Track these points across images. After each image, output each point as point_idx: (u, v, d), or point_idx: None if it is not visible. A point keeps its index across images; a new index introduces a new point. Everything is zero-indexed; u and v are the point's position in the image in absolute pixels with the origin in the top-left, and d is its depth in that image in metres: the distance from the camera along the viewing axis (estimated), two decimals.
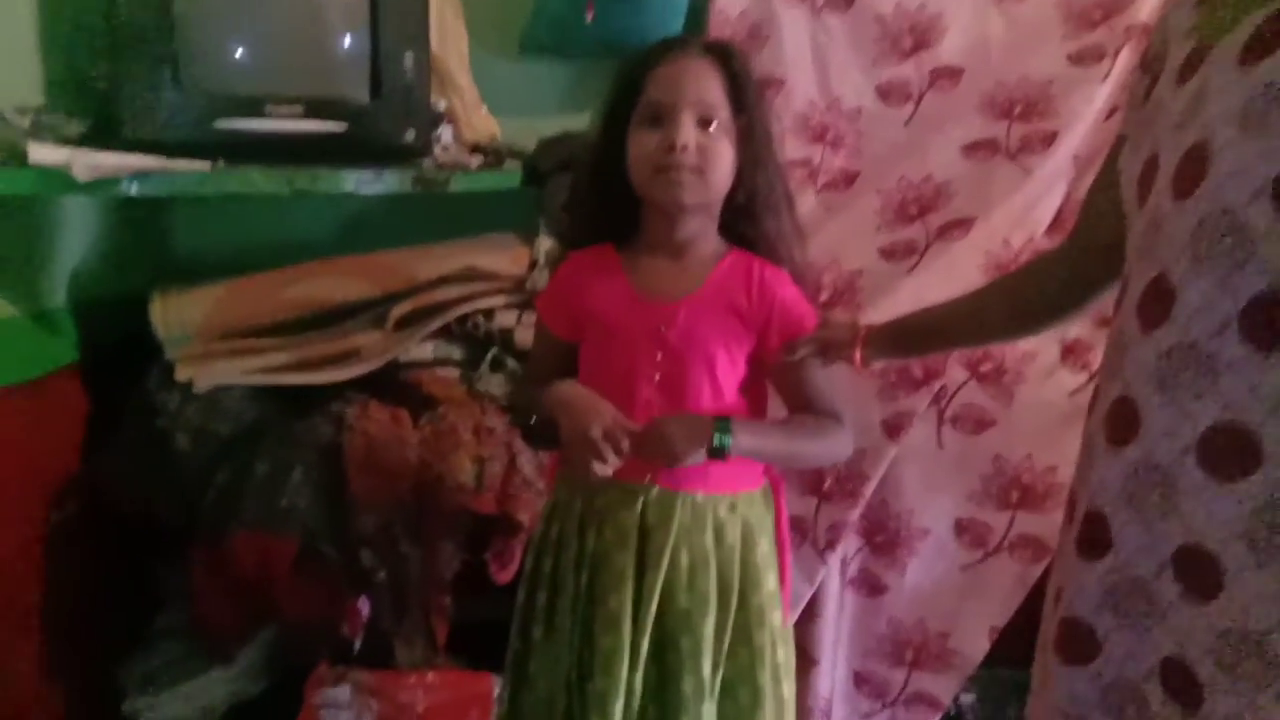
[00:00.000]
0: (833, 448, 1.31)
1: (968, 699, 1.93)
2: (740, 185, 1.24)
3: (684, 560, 1.24)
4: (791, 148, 1.82)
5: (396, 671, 1.65)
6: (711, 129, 1.19)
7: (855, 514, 1.76)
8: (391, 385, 1.73)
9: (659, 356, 1.24)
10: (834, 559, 1.78)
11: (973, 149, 1.82)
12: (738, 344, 1.25)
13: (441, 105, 1.81)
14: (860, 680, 1.87)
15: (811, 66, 1.89)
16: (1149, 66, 0.95)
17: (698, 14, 1.92)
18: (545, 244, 1.78)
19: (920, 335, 1.30)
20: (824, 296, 1.76)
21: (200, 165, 1.45)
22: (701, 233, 1.26)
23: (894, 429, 1.72)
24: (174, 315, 1.69)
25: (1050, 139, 1.75)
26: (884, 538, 1.80)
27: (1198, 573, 0.78)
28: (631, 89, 1.22)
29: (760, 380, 1.31)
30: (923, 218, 1.81)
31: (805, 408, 1.29)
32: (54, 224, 1.68)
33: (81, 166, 1.34)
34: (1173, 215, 0.81)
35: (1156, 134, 0.87)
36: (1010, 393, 1.73)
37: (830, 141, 1.89)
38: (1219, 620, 0.76)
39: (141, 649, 1.73)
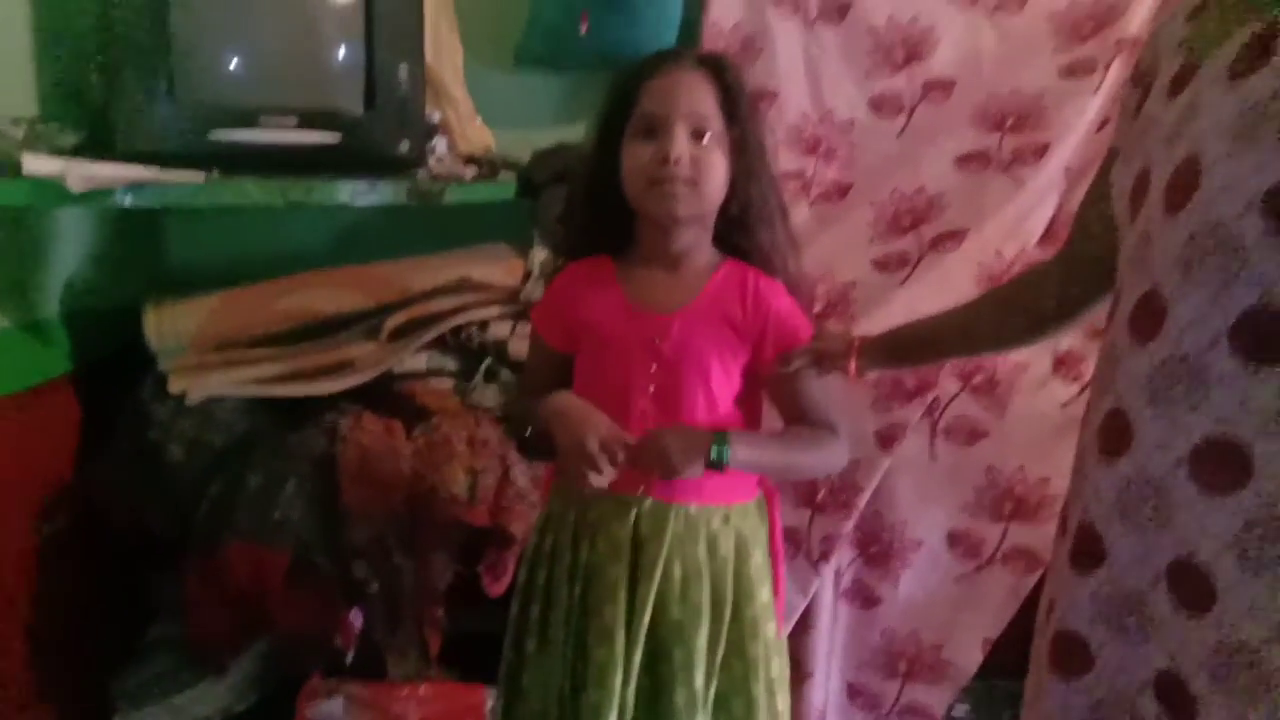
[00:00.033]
0: (829, 459, 1.31)
1: (961, 710, 1.93)
2: (734, 197, 1.24)
3: (677, 572, 1.24)
4: (784, 160, 1.83)
5: (389, 684, 1.65)
6: (705, 141, 1.19)
7: (849, 525, 1.76)
8: (385, 396, 1.73)
9: (653, 368, 1.24)
10: (828, 570, 1.78)
11: (965, 161, 1.83)
12: (733, 355, 1.25)
13: (436, 117, 1.81)
14: (854, 692, 1.87)
15: (804, 79, 1.90)
16: (1140, 80, 0.96)
17: (691, 26, 1.92)
18: (539, 255, 1.78)
19: (914, 346, 1.30)
20: (818, 308, 1.76)
21: (194, 176, 1.45)
22: (696, 244, 1.26)
23: (887, 440, 1.73)
24: (167, 326, 1.68)
25: (1042, 151, 1.76)
26: (878, 549, 1.81)
27: (1191, 586, 0.78)
28: (625, 101, 1.23)
29: (755, 392, 1.31)
30: (915, 229, 1.82)
31: (800, 419, 1.29)
32: (48, 234, 1.68)
33: (75, 177, 1.34)
34: (1164, 229, 0.82)
35: (1148, 148, 0.87)
36: (1003, 404, 1.74)
37: (823, 153, 1.90)
38: (1212, 633, 0.77)
39: (133, 661, 1.72)
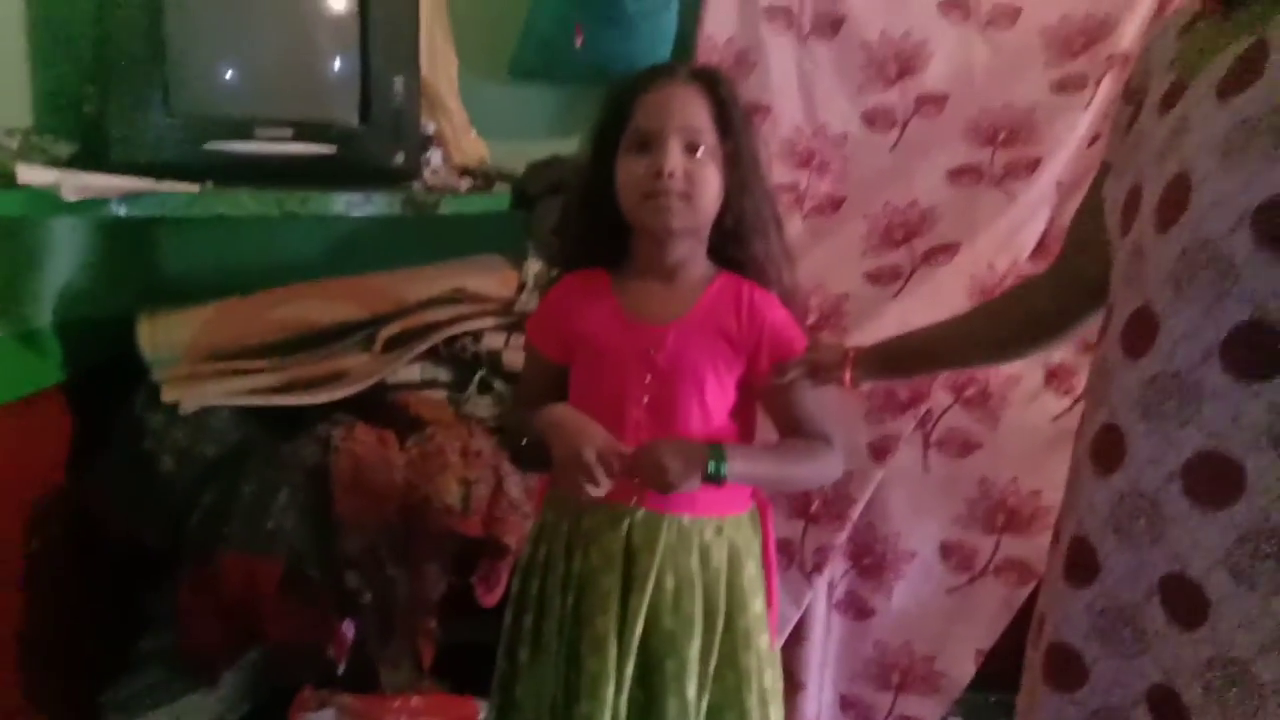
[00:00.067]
0: (823, 470, 1.31)
1: None
2: (728, 209, 1.25)
3: (669, 582, 1.24)
4: (778, 173, 1.84)
5: (381, 695, 1.64)
6: (699, 155, 1.20)
7: (842, 537, 1.76)
8: (379, 407, 1.73)
9: (648, 379, 1.24)
10: (821, 582, 1.79)
11: (957, 175, 1.84)
12: (727, 367, 1.26)
13: (431, 128, 1.82)
14: (847, 704, 1.87)
15: (798, 93, 1.92)
16: (1132, 96, 0.97)
17: (686, 40, 1.94)
18: (534, 267, 1.79)
19: (907, 357, 1.31)
20: (811, 320, 1.77)
21: (189, 187, 1.45)
22: (690, 256, 1.27)
23: (880, 452, 1.73)
24: (161, 336, 1.68)
25: (1034, 165, 1.78)
26: (871, 560, 1.81)
27: (1184, 600, 0.79)
28: (619, 115, 1.24)
29: (750, 404, 1.31)
30: (908, 242, 1.83)
31: (795, 430, 1.30)
32: (41, 244, 1.68)
33: (70, 187, 1.33)
34: (1156, 245, 0.82)
35: (1139, 164, 0.88)
36: (995, 416, 1.75)
37: (816, 167, 1.91)
38: (1205, 648, 0.77)
39: (124, 671, 1.71)
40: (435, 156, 1.80)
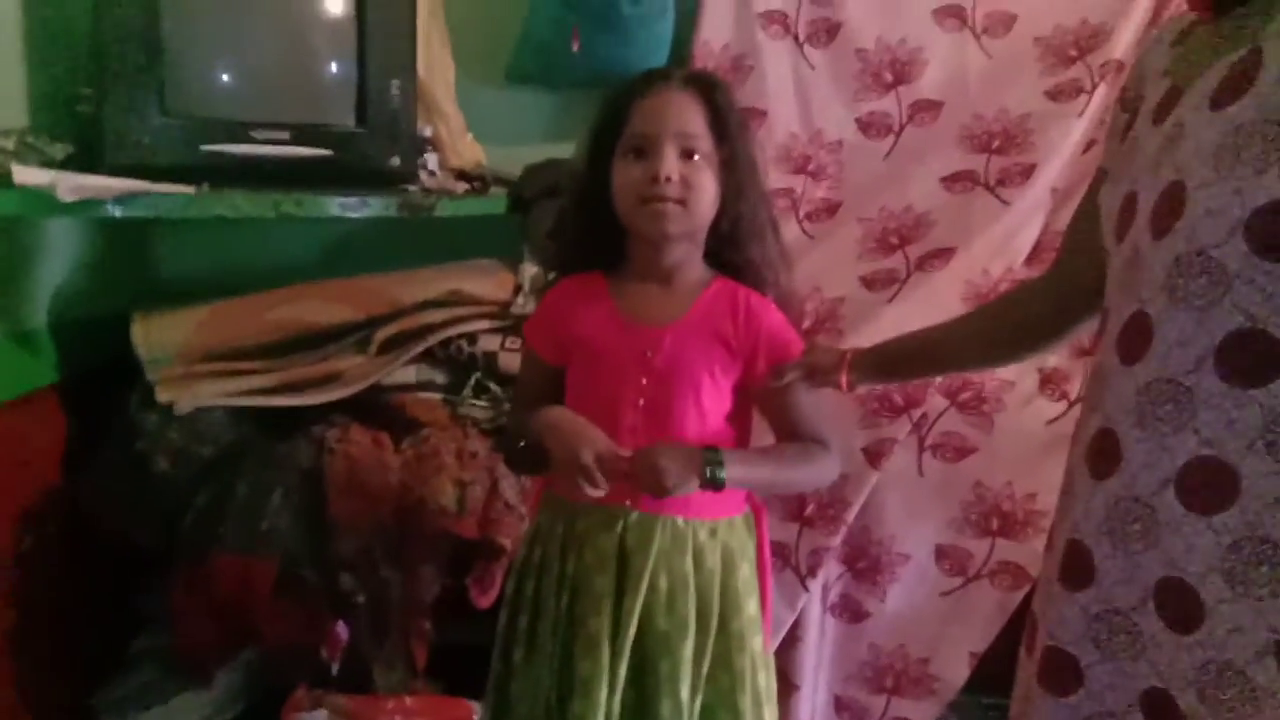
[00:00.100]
0: (820, 473, 1.32)
1: None
2: (724, 213, 1.25)
3: (663, 584, 1.24)
4: (774, 178, 1.84)
5: (375, 696, 1.64)
6: (694, 160, 1.21)
7: (837, 540, 1.77)
8: (374, 408, 1.73)
9: (644, 381, 1.24)
10: (815, 585, 1.79)
11: (952, 180, 1.85)
12: (723, 371, 1.26)
13: (427, 132, 1.82)
14: (841, 706, 1.88)
15: (794, 99, 1.92)
16: (1127, 104, 0.98)
17: (682, 46, 1.94)
18: (529, 270, 1.79)
19: (904, 360, 1.32)
20: (806, 324, 1.78)
21: (185, 189, 1.45)
22: (687, 260, 1.27)
23: (875, 456, 1.74)
24: (156, 337, 1.68)
25: (1028, 172, 1.79)
26: (865, 564, 1.81)
27: (1179, 605, 0.79)
28: (616, 120, 1.24)
29: (746, 407, 1.32)
30: (903, 247, 1.84)
31: (792, 433, 1.30)
32: (37, 245, 1.68)
33: (65, 188, 1.33)
34: (1151, 252, 0.83)
35: (1135, 171, 0.89)
36: (990, 421, 1.75)
37: (812, 172, 1.92)
38: (1200, 652, 0.78)
39: (118, 671, 1.71)
40: (432, 160, 1.81)
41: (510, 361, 1.73)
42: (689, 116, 1.21)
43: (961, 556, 1.78)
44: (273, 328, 1.71)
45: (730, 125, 1.23)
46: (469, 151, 1.92)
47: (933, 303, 1.73)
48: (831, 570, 1.83)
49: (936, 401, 1.76)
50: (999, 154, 1.82)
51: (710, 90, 1.24)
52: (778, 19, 1.91)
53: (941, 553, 1.79)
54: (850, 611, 1.85)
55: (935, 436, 1.77)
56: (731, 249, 1.28)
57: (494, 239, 1.88)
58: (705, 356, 1.25)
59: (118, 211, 1.40)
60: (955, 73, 1.88)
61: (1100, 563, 0.85)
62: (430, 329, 1.74)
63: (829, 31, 1.91)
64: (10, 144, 1.46)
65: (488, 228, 1.83)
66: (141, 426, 1.61)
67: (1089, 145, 1.79)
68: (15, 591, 1.56)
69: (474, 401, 1.76)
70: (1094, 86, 1.77)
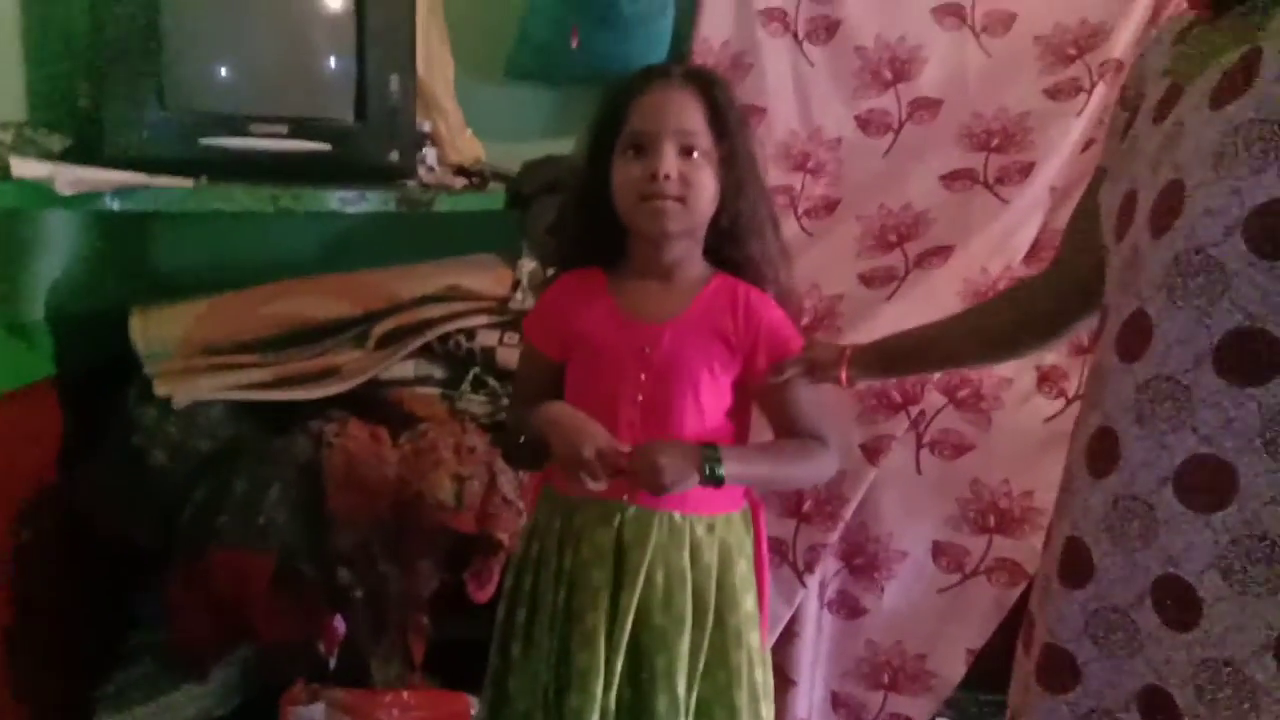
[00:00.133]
0: (818, 470, 1.32)
1: None
2: (724, 210, 1.26)
3: (660, 579, 1.24)
4: (773, 176, 1.84)
5: (372, 690, 1.64)
6: (693, 157, 1.21)
7: (834, 536, 1.77)
8: (372, 403, 1.73)
9: (643, 377, 1.25)
10: (813, 581, 1.79)
11: (951, 179, 1.85)
12: (723, 367, 1.26)
13: (426, 127, 1.82)
14: (838, 702, 1.88)
15: (793, 96, 1.92)
16: (1127, 103, 0.98)
17: (681, 43, 1.94)
18: (528, 265, 1.79)
19: (903, 356, 1.32)
20: (805, 321, 1.78)
21: (183, 182, 1.45)
22: (687, 256, 1.28)
23: (873, 453, 1.74)
24: (153, 331, 1.68)
25: (1027, 170, 1.79)
26: (863, 560, 1.82)
27: (1177, 602, 0.80)
28: (615, 118, 1.24)
29: (746, 404, 1.32)
30: (902, 245, 1.84)
31: (791, 429, 1.30)
32: (35, 238, 1.67)
33: (64, 181, 1.33)
34: (1150, 251, 0.83)
35: (1135, 170, 0.89)
36: (987, 418, 1.76)
37: (811, 170, 1.92)
38: (1198, 649, 0.78)
39: (115, 665, 1.71)
40: (430, 155, 1.81)
41: (508, 357, 1.73)
42: (688, 114, 1.21)
43: (959, 553, 1.78)
44: (271, 322, 1.71)
45: (730, 122, 1.24)
46: (468, 147, 1.92)
47: (931, 300, 1.73)
48: (829, 566, 1.83)
49: (934, 399, 1.76)
50: (998, 152, 1.82)
51: (709, 87, 1.24)
52: (777, 16, 1.91)
53: (939, 549, 1.80)
54: (848, 608, 1.85)
55: (933, 434, 1.77)
56: (731, 245, 1.28)
57: (492, 234, 1.87)
58: (704, 353, 1.25)
59: (116, 204, 1.41)
60: (954, 71, 1.88)
61: (1099, 560, 0.86)
62: (428, 324, 1.74)
63: (828, 29, 1.91)
64: (9, 137, 1.46)
65: (486, 223, 1.83)
66: (139, 420, 1.61)
67: (1088, 144, 1.79)
68: (12, 584, 1.56)
69: (472, 396, 1.76)
70: (1093, 85, 1.77)
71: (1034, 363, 1.75)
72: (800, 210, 1.91)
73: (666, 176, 1.19)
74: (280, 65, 1.62)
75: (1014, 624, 1.03)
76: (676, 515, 1.25)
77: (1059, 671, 0.89)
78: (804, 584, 1.78)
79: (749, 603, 1.30)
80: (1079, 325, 1.12)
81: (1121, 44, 1.76)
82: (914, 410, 1.74)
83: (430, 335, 1.74)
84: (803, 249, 1.85)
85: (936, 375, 1.72)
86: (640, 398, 1.25)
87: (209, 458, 1.62)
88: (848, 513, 1.76)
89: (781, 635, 1.79)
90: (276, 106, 1.59)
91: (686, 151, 1.21)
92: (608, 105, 1.26)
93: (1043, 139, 1.79)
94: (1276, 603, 0.75)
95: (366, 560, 1.59)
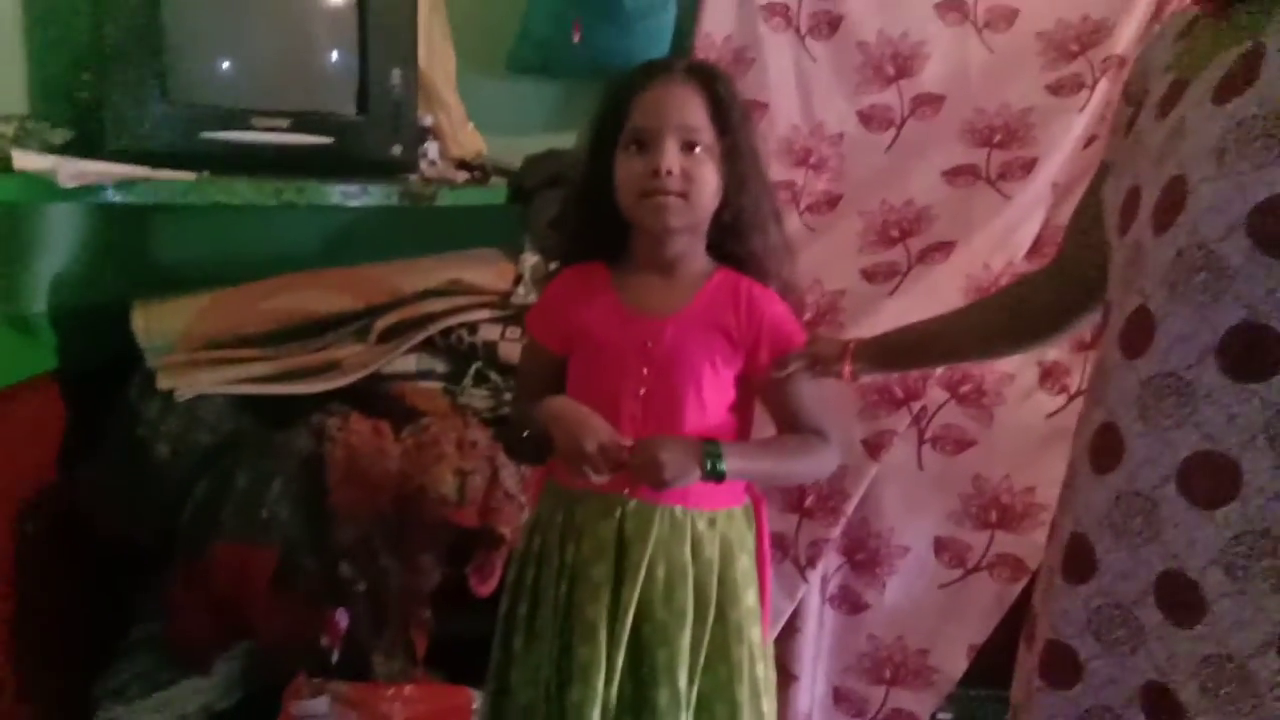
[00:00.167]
0: (819, 465, 1.33)
1: (945, 717, 1.95)
2: (726, 205, 1.26)
3: (661, 573, 1.25)
4: (775, 171, 1.84)
5: (375, 684, 1.65)
6: (695, 152, 1.21)
7: (836, 531, 1.77)
8: (374, 397, 1.73)
9: (645, 372, 1.25)
10: (814, 576, 1.80)
11: (953, 174, 1.84)
12: (725, 362, 1.26)
13: (428, 121, 1.81)
14: (839, 697, 1.89)
15: (795, 92, 1.92)
16: (1131, 99, 0.98)
17: (683, 37, 1.93)
18: (530, 260, 1.79)
19: (906, 350, 1.32)
20: (807, 316, 1.78)
21: (185, 175, 1.45)
22: (689, 251, 1.28)
23: (875, 448, 1.74)
24: (155, 324, 1.68)
25: (1029, 166, 1.79)
26: (864, 555, 1.82)
27: (1180, 598, 0.80)
28: (617, 113, 1.24)
29: (748, 399, 1.32)
30: (904, 241, 1.84)
31: (792, 423, 1.31)
32: (37, 231, 1.68)
33: (66, 173, 1.33)
34: (1153, 247, 0.83)
35: (1138, 166, 0.89)
36: (989, 414, 1.76)
37: (813, 165, 1.92)
38: (1202, 645, 0.78)
39: (116, 659, 1.71)
40: (432, 149, 1.80)
41: (510, 351, 1.73)
42: (690, 109, 1.21)
43: (960, 549, 1.79)
44: (273, 316, 1.71)
45: (732, 117, 1.23)
46: (470, 141, 1.92)
47: (933, 296, 1.73)
48: (831, 562, 1.83)
49: (936, 394, 1.76)
50: (1000, 148, 1.82)
51: (711, 81, 1.24)
52: (779, 11, 1.91)
53: (940, 545, 1.80)
54: (849, 603, 1.86)
55: (935, 429, 1.78)
56: (734, 240, 1.28)
57: (494, 229, 1.87)
58: (706, 347, 1.25)
59: (117, 197, 1.40)
60: (957, 66, 1.87)
61: (1102, 556, 0.86)
62: (430, 318, 1.74)
63: (830, 24, 1.90)
64: (10, 130, 1.46)
65: (488, 217, 1.83)
66: (141, 414, 1.61)
67: (1090, 140, 1.79)
68: (14, 578, 1.56)
69: (474, 391, 1.76)
70: (1095, 81, 1.76)
71: (1036, 358, 1.75)
72: (802, 206, 1.91)
73: (669, 172, 1.18)
74: (282, 59, 1.62)
75: (1015, 619, 1.03)
76: (678, 510, 1.25)
77: (1061, 667, 0.89)
78: (806, 579, 1.78)
79: (750, 598, 1.31)
80: (1082, 321, 1.12)
81: (1124, 40, 1.76)
82: (916, 406, 1.74)
83: (432, 329, 1.74)
84: (804, 244, 1.84)
85: (939, 370, 1.72)
86: (642, 392, 1.25)
87: (211, 451, 1.62)
88: (849, 508, 1.76)
89: (783, 630, 1.79)
90: (278, 100, 1.59)
91: (689, 147, 1.20)
92: (609, 100, 1.26)
93: (1045, 135, 1.79)
94: None
95: (368, 554, 1.59)
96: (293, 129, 1.58)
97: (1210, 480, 0.78)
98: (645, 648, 1.24)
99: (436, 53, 1.87)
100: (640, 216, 1.23)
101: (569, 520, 1.28)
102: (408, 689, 1.64)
